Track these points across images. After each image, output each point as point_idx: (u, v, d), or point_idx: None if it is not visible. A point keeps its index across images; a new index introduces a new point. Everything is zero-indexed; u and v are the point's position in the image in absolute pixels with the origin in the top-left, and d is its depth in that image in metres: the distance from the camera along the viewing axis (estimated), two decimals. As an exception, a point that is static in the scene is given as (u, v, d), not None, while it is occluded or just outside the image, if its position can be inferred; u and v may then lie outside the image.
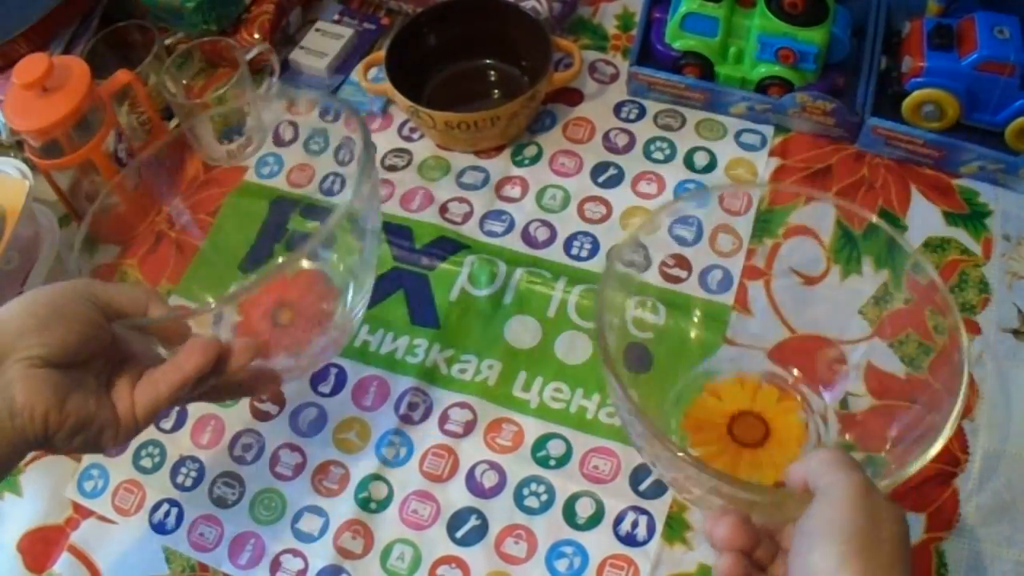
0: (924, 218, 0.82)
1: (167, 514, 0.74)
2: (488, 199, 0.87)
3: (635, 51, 0.91)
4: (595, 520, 0.70)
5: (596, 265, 0.82)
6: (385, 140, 0.93)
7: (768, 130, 0.88)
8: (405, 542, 0.71)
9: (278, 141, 0.88)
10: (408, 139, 0.93)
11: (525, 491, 0.72)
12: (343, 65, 0.97)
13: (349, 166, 0.85)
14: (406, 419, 0.76)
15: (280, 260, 0.83)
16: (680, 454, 0.53)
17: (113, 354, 0.57)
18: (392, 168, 0.90)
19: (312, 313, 0.78)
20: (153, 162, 0.77)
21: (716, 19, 0.84)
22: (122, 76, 0.86)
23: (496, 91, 0.94)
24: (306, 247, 0.63)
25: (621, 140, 0.90)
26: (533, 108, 0.88)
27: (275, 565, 0.71)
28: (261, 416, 0.78)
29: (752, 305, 0.77)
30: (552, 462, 0.73)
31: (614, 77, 0.95)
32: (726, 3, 0.83)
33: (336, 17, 1.01)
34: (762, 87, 0.86)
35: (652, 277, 0.78)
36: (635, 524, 0.70)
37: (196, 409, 0.78)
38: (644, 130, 0.90)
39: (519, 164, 0.89)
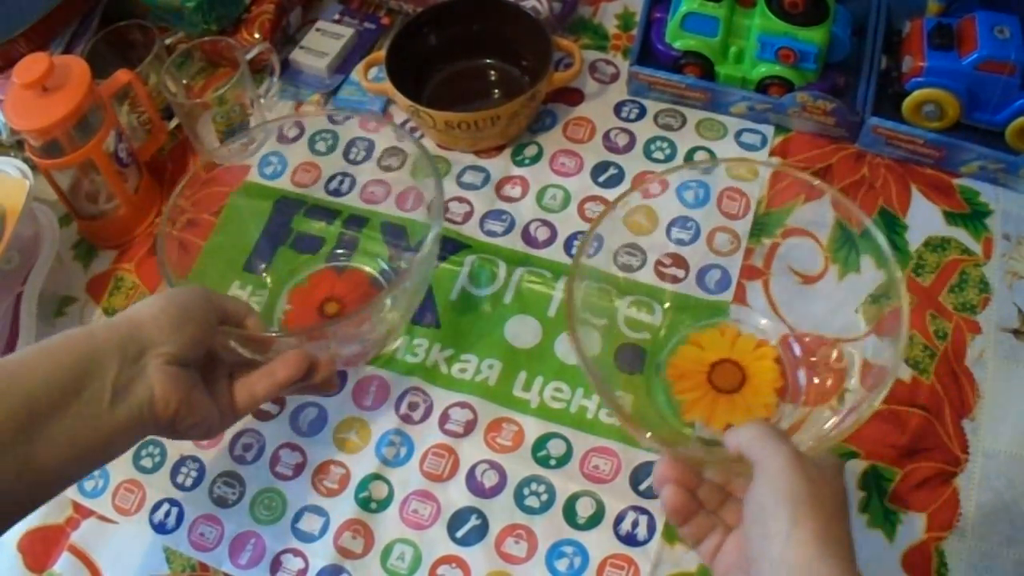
0: (924, 218, 0.82)
1: (167, 514, 0.74)
2: (488, 199, 0.87)
3: (635, 51, 0.91)
4: (595, 520, 0.70)
5: (597, 265, 0.82)
6: (385, 139, 0.92)
7: (768, 130, 0.88)
8: (405, 542, 0.71)
9: (282, 140, 0.88)
10: (408, 139, 0.93)
11: (525, 491, 0.72)
12: (343, 65, 0.97)
13: (360, 165, 0.86)
14: (406, 419, 0.76)
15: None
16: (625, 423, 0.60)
17: (211, 349, 0.63)
18: (391, 168, 0.90)
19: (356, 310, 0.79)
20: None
21: (716, 19, 0.84)
22: (122, 76, 0.86)
23: (496, 91, 0.94)
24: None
25: (621, 140, 0.90)
26: (533, 108, 0.88)
27: (275, 565, 0.71)
28: (261, 416, 0.78)
29: (751, 305, 0.77)
30: (552, 462, 0.73)
31: (614, 77, 0.95)
32: (726, 3, 0.83)
33: (336, 17, 1.01)
34: (762, 87, 0.86)
35: (648, 277, 0.79)
36: (635, 524, 0.70)
37: (196, 409, 0.78)
38: (644, 130, 0.90)
39: (519, 164, 0.89)
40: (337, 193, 0.88)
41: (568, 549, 0.69)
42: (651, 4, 0.92)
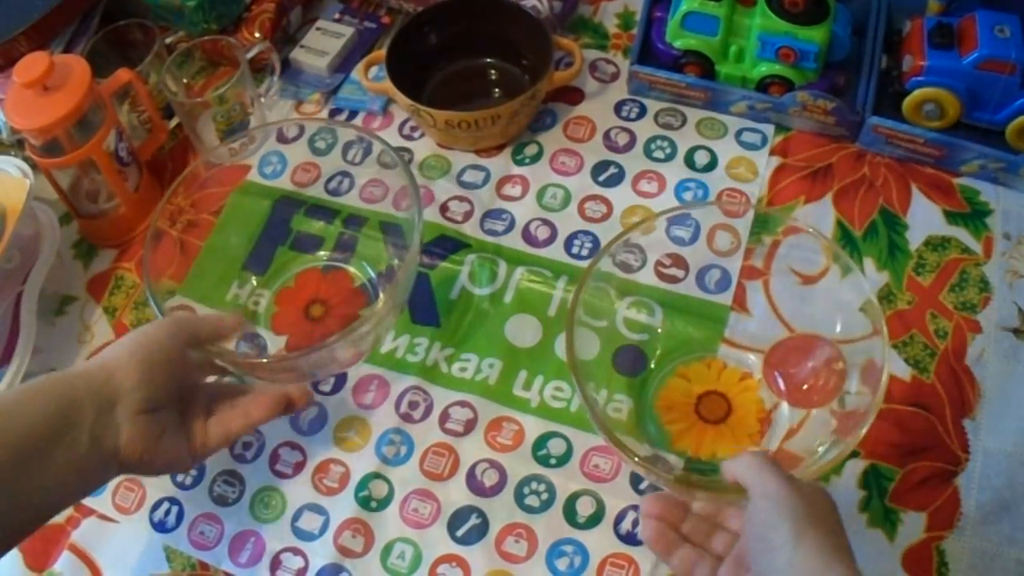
0: (925, 217, 0.82)
1: (167, 512, 0.74)
2: (489, 198, 0.87)
3: (636, 50, 0.90)
4: (596, 519, 0.70)
5: (598, 266, 0.82)
6: (386, 139, 0.92)
7: (769, 129, 0.88)
8: (405, 541, 0.71)
9: (282, 139, 0.88)
10: (409, 138, 0.93)
11: (526, 490, 0.72)
12: (344, 64, 0.97)
13: (359, 165, 0.86)
14: (406, 418, 0.76)
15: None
16: (635, 459, 0.62)
17: (186, 381, 0.65)
18: (390, 166, 0.90)
19: (343, 314, 0.81)
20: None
21: (717, 18, 0.84)
22: (123, 75, 0.86)
23: (497, 90, 0.94)
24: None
25: (622, 139, 0.90)
26: (534, 107, 0.88)
27: (275, 563, 0.71)
28: (261, 415, 0.78)
29: (750, 305, 0.77)
30: (553, 461, 0.73)
31: (615, 76, 0.95)
32: (727, 2, 0.83)
33: (337, 16, 1.01)
34: (763, 86, 0.86)
35: (647, 277, 0.79)
36: (636, 523, 0.70)
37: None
38: (645, 129, 0.90)
39: (520, 163, 0.89)
40: (336, 193, 0.88)
41: (568, 548, 0.69)
42: (651, 3, 0.92)
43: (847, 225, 0.82)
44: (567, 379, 0.76)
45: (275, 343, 0.81)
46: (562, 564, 0.69)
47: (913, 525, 0.68)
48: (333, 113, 0.95)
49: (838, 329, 0.70)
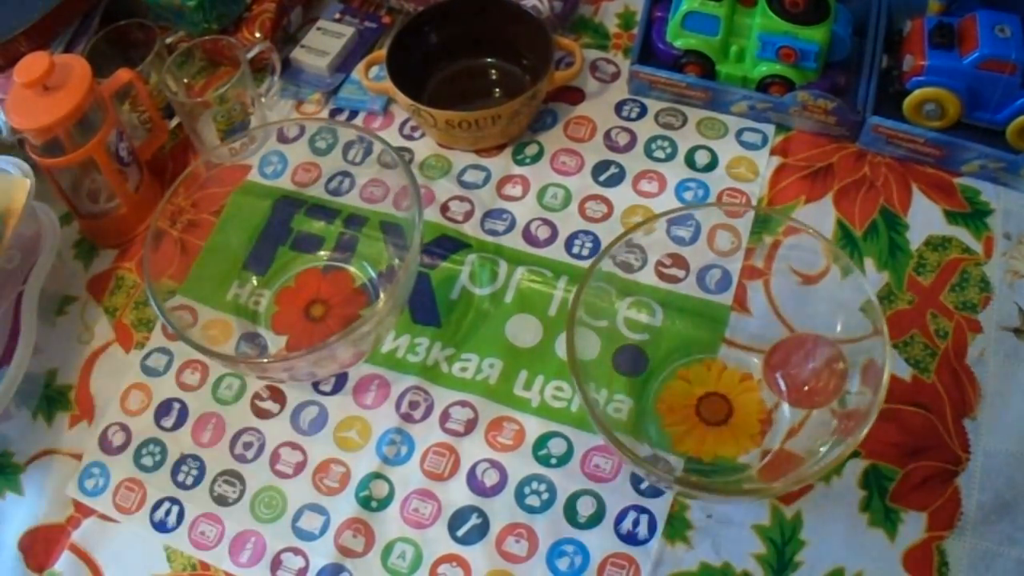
0: (925, 217, 0.82)
1: (168, 512, 0.74)
2: (489, 198, 0.87)
3: (636, 50, 0.90)
4: (596, 519, 0.70)
5: (599, 266, 0.82)
6: (386, 138, 0.92)
7: (769, 129, 0.88)
8: (406, 541, 0.71)
9: (282, 139, 0.88)
10: (409, 138, 0.93)
11: (526, 490, 0.72)
12: (344, 64, 0.97)
13: (360, 165, 0.86)
14: (407, 418, 0.76)
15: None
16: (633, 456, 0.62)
17: None
18: (391, 166, 0.90)
19: (343, 314, 0.81)
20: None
21: (717, 18, 0.84)
22: (123, 75, 0.86)
23: (497, 90, 0.94)
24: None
25: (622, 139, 0.90)
26: (534, 107, 0.88)
27: (276, 563, 0.71)
28: (262, 414, 0.78)
29: (751, 305, 0.77)
30: (553, 461, 0.73)
31: (615, 76, 0.95)
32: (727, 2, 0.83)
33: (337, 16, 1.01)
34: (763, 86, 0.86)
35: (648, 277, 0.79)
36: (636, 523, 0.70)
37: (197, 407, 0.79)
38: (645, 129, 0.90)
39: (520, 163, 0.89)
40: (337, 193, 0.88)
41: (569, 548, 0.69)
42: (652, 3, 0.92)
43: (848, 225, 0.82)
44: (568, 379, 0.76)
45: (275, 343, 0.81)
46: (563, 564, 0.69)
47: (914, 525, 0.68)
48: (333, 113, 0.95)
49: (839, 329, 0.70)
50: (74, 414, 0.80)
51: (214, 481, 0.75)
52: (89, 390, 0.81)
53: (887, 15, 0.88)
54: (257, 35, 0.96)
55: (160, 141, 0.93)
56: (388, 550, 0.71)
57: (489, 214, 0.86)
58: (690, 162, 0.87)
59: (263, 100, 0.94)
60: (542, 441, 0.74)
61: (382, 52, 0.91)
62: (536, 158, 0.89)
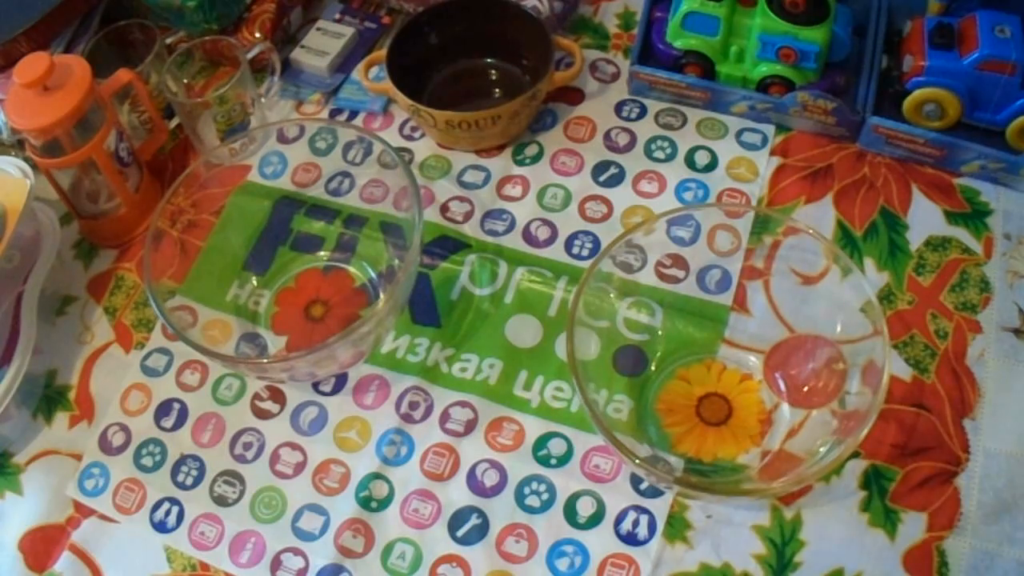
0: (925, 217, 0.82)
1: (168, 513, 0.74)
2: (489, 198, 0.87)
3: (636, 50, 0.90)
4: (596, 519, 0.70)
5: (600, 267, 0.82)
6: (386, 139, 0.92)
7: (769, 129, 0.88)
8: (406, 541, 0.71)
9: (282, 139, 0.88)
10: (409, 138, 0.93)
11: (526, 490, 0.72)
12: (344, 64, 0.97)
13: (360, 166, 0.86)
14: (407, 418, 0.76)
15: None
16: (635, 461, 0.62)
17: None
18: (391, 167, 0.90)
19: (343, 314, 0.81)
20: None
21: (717, 18, 0.84)
22: (123, 75, 0.86)
23: (497, 90, 0.94)
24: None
25: (622, 139, 0.90)
26: (534, 107, 0.88)
27: (276, 564, 0.71)
28: (262, 415, 0.78)
29: (751, 305, 0.77)
30: (553, 461, 0.73)
31: (615, 76, 0.95)
32: (727, 2, 0.83)
33: (337, 16, 1.01)
34: (763, 86, 0.86)
35: (648, 278, 0.79)
36: (636, 523, 0.70)
37: (197, 408, 0.79)
38: (645, 129, 0.90)
39: (520, 163, 0.89)
40: (337, 193, 0.88)
41: (569, 548, 0.69)
42: (652, 3, 0.92)
43: (847, 225, 0.82)
44: (567, 379, 0.76)
45: (275, 343, 0.81)
46: (562, 564, 0.69)
47: (914, 525, 0.68)
48: (333, 113, 0.95)
49: (839, 329, 0.70)
50: (74, 414, 0.80)
51: (214, 481, 0.75)
52: (89, 390, 0.81)
53: (887, 15, 0.88)
54: (257, 35, 0.96)
55: (160, 141, 0.93)
56: (388, 550, 0.71)
57: (489, 214, 0.86)
58: (690, 162, 0.87)
59: (263, 100, 0.94)
60: (542, 441, 0.74)
61: (382, 52, 0.91)
62: (536, 158, 0.89)
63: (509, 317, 0.80)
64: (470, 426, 0.75)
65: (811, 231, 0.70)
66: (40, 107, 0.78)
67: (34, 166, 0.82)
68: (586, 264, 0.82)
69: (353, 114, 0.95)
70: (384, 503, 0.72)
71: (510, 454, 0.73)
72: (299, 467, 0.75)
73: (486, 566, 0.69)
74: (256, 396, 0.79)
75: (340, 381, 0.78)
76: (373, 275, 0.83)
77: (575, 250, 0.83)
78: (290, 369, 0.74)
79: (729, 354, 0.76)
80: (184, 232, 0.82)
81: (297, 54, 0.97)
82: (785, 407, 0.72)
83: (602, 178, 0.87)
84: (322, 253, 0.85)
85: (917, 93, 0.81)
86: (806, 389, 0.72)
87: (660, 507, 0.70)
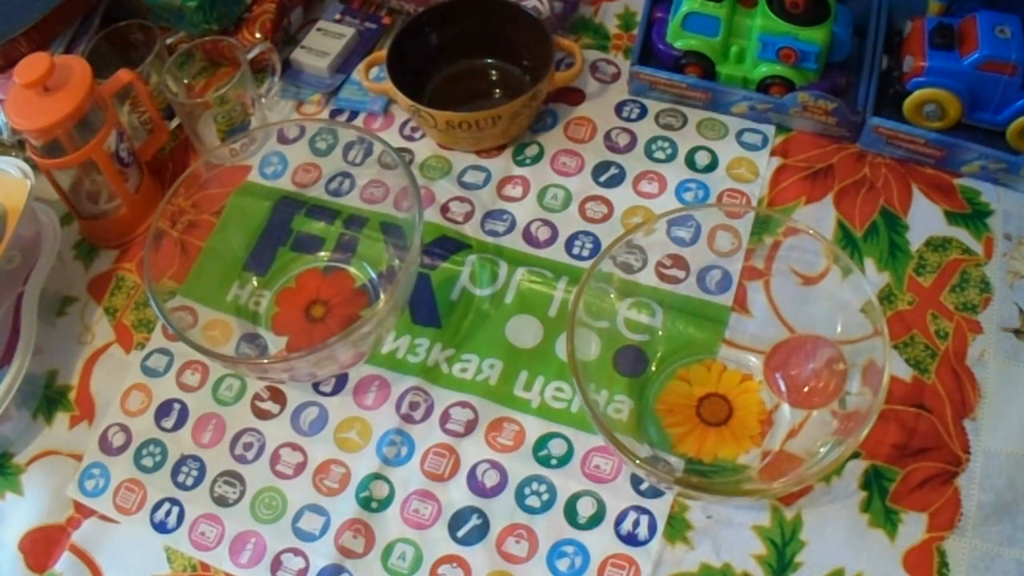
0: (925, 217, 0.82)
1: (168, 513, 0.74)
2: (489, 198, 0.87)
3: (636, 50, 0.90)
4: (596, 519, 0.70)
5: (600, 267, 0.82)
6: (386, 139, 0.92)
7: (769, 129, 0.88)
8: (406, 541, 0.71)
9: (282, 140, 0.88)
10: (409, 138, 0.93)
11: (526, 490, 0.72)
12: (344, 64, 0.97)
13: (360, 166, 0.86)
14: (407, 418, 0.76)
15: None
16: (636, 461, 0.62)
17: None
18: (391, 167, 0.90)
19: (343, 314, 0.81)
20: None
21: (717, 19, 0.84)
22: (123, 75, 0.86)
23: (497, 90, 0.94)
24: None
25: (622, 139, 0.90)
26: (534, 107, 0.88)
27: (276, 564, 0.71)
28: (262, 415, 0.78)
29: (751, 306, 0.77)
30: (553, 461, 0.73)
31: (615, 76, 0.95)
32: (727, 3, 0.83)
33: (337, 16, 1.01)
34: (763, 87, 0.86)
35: (648, 278, 0.79)
36: (636, 523, 0.70)
37: (197, 408, 0.79)
38: (645, 129, 0.90)
39: (520, 163, 0.89)
40: (337, 193, 0.88)
41: (569, 549, 0.69)
42: (652, 4, 0.92)
43: (848, 226, 0.82)
44: (568, 380, 0.76)
45: (276, 344, 0.81)
46: (563, 565, 0.69)
47: (914, 526, 0.68)
48: (334, 114, 0.95)
49: (839, 330, 0.70)
50: (74, 415, 0.80)
51: (214, 482, 0.75)
52: (89, 391, 0.81)
53: (887, 16, 0.88)
54: (257, 36, 0.96)
55: (160, 142, 0.93)
56: (388, 551, 0.71)
57: (489, 215, 0.86)
58: (690, 163, 0.87)
59: (263, 101, 0.94)
60: (542, 442, 0.74)
61: (382, 53, 0.91)
62: (536, 159, 0.89)
63: (509, 317, 0.80)
64: (470, 426, 0.75)
65: (811, 231, 0.70)
66: (40, 107, 0.78)
67: (34, 166, 0.82)
68: (586, 264, 0.82)
69: (353, 114, 0.95)
70: (384, 503, 0.72)
71: (510, 454, 0.73)
72: (299, 467, 0.75)
73: (486, 566, 0.69)
74: (256, 396, 0.79)
75: (340, 381, 0.78)
76: (373, 275, 0.83)
77: (575, 250, 0.83)
78: (290, 369, 0.74)
79: (729, 354, 0.76)
80: (184, 232, 0.82)
81: (297, 54, 0.97)
82: (785, 407, 0.72)
83: (602, 178, 0.87)
84: (322, 253, 0.85)
85: (917, 93, 0.81)
86: (806, 389, 0.72)
87: (660, 507, 0.70)
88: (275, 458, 0.75)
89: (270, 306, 0.83)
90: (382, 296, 0.82)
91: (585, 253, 0.83)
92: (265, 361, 0.78)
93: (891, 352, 0.63)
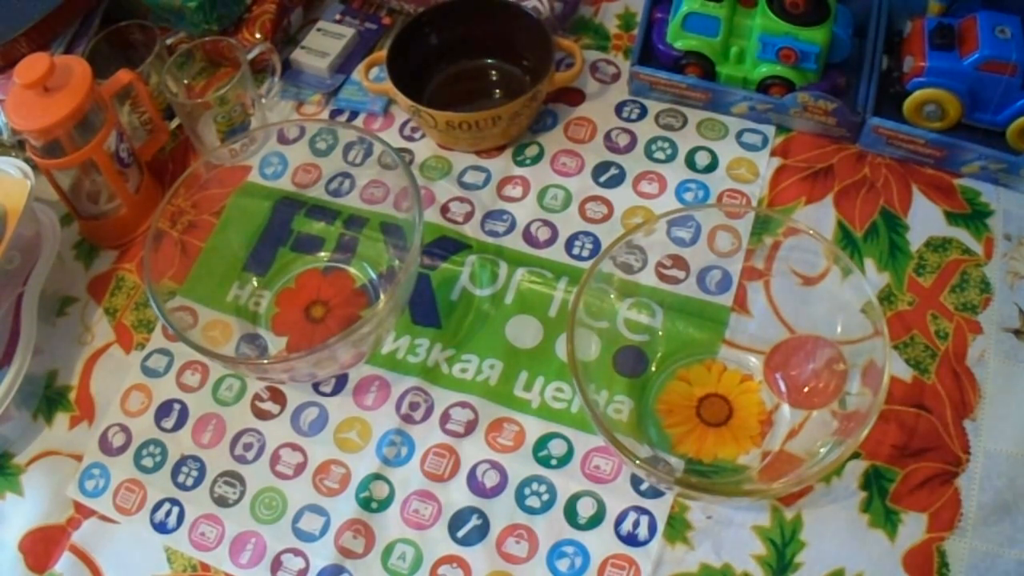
0: (925, 218, 0.82)
1: (168, 513, 0.74)
2: (489, 199, 0.87)
3: (636, 51, 0.90)
4: (596, 520, 0.70)
5: (600, 267, 0.82)
6: (386, 140, 0.92)
7: (769, 130, 0.88)
8: (406, 542, 0.71)
9: (282, 140, 0.88)
10: (409, 139, 0.93)
11: (526, 491, 0.72)
12: (344, 65, 0.97)
13: (360, 166, 0.87)
14: (407, 419, 0.76)
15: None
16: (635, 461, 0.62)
17: None
18: (391, 167, 0.90)
19: (343, 315, 0.81)
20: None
21: (717, 19, 0.84)
22: (123, 76, 0.86)
23: (498, 91, 0.94)
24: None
25: (622, 140, 0.90)
26: (535, 108, 0.88)
27: (276, 564, 0.71)
28: (262, 415, 0.78)
29: (751, 306, 0.77)
30: (553, 462, 0.73)
31: (615, 77, 0.95)
32: (727, 3, 0.83)
33: (337, 17, 1.01)
34: (763, 87, 0.86)
35: (648, 278, 0.79)
36: (636, 524, 0.70)
37: (197, 408, 0.79)
38: (645, 130, 0.90)
39: (520, 164, 0.89)
40: (337, 194, 0.88)
41: (569, 549, 0.69)
42: (652, 4, 0.92)
43: (848, 226, 0.82)
44: (568, 380, 0.76)
45: (276, 344, 0.81)
46: (563, 565, 0.69)
47: (914, 526, 0.68)
48: (334, 114, 0.95)
49: (839, 330, 0.70)
50: (74, 415, 0.80)
51: (214, 482, 0.75)
52: (89, 391, 0.81)
53: (887, 16, 0.88)
54: (257, 36, 0.96)
55: (160, 142, 0.93)
56: (388, 551, 0.71)
57: (489, 215, 0.86)
58: (690, 163, 0.87)
59: (263, 101, 0.94)
60: (542, 442, 0.74)
61: (382, 53, 0.91)
62: (536, 159, 0.89)
63: (509, 318, 0.80)
64: (470, 427, 0.75)
65: (811, 232, 0.70)
66: (40, 108, 0.78)
67: (34, 167, 0.82)
68: (586, 265, 0.82)
69: (353, 115, 0.95)
70: (384, 504, 0.72)
71: (510, 455, 0.73)
72: (299, 468, 0.75)
73: (486, 567, 0.69)
74: (256, 397, 0.79)
75: (340, 382, 0.78)
76: (373, 276, 0.83)
77: (575, 251, 0.83)
78: (290, 370, 0.74)
79: (729, 355, 0.76)
80: (184, 233, 0.82)
81: (297, 55, 0.97)
82: (785, 408, 0.72)
83: (602, 179, 0.87)
84: (322, 254, 0.85)
85: (917, 94, 0.81)
86: (806, 390, 0.72)
87: (660, 508, 0.70)
88: (275, 458, 0.75)
89: (270, 306, 0.83)
90: (382, 296, 0.82)
91: (585, 253, 0.83)
92: (265, 361, 0.78)
93: (891, 352, 0.63)
